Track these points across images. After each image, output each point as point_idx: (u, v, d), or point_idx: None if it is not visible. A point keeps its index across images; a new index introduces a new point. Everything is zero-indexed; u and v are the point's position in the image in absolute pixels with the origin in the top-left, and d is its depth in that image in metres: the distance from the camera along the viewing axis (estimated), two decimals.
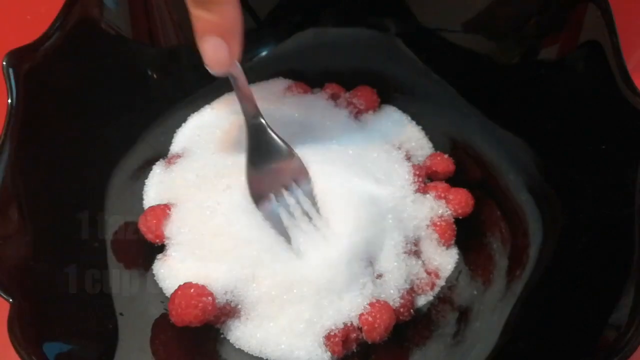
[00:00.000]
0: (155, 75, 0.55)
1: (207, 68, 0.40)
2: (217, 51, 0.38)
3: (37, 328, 0.38)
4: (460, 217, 0.51)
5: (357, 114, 0.56)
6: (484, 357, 0.43)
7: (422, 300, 0.48)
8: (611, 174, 0.42)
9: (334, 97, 0.56)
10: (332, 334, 0.44)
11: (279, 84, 0.57)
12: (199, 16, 0.37)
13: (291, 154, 0.47)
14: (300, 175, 0.47)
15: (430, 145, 0.56)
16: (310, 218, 0.46)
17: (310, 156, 0.48)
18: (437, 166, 0.53)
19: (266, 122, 0.47)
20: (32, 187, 0.43)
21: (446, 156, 0.54)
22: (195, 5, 0.37)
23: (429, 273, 0.49)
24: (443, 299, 0.49)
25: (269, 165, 0.47)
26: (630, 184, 0.40)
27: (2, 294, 0.37)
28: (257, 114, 0.46)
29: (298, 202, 0.46)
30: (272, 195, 0.47)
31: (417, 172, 0.52)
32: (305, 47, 0.58)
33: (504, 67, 0.51)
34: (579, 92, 0.45)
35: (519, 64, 0.50)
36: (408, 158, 0.54)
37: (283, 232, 0.46)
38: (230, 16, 0.37)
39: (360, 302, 0.45)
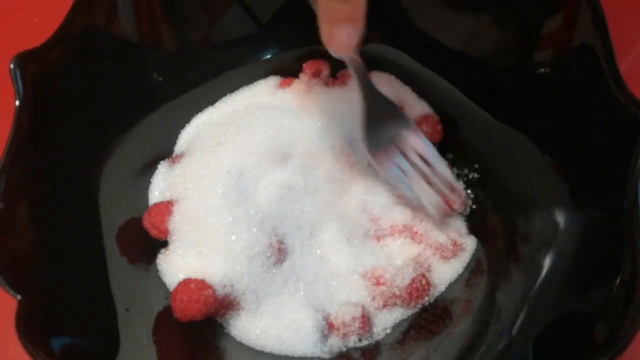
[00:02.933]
0: (160, 78, 0.56)
1: (332, 51, 0.43)
2: (350, 37, 0.41)
3: (43, 324, 0.39)
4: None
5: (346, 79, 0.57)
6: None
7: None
8: (604, 174, 0.43)
9: (316, 75, 0.56)
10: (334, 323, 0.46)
11: (272, 81, 0.59)
12: (333, 6, 0.39)
13: (406, 119, 0.50)
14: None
15: (425, 105, 0.56)
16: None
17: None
18: (424, 127, 0.53)
19: (378, 89, 0.49)
20: (38, 186, 0.44)
21: (436, 118, 0.55)
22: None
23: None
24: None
25: (387, 130, 0.49)
26: (623, 185, 0.40)
27: (9, 291, 0.38)
28: (370, 81, 0.48)
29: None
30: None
31: None
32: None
33: (497, 69, 0.52)
34: (572, 94, 0.46)
35: (512, 66, 0.51)
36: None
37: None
38: (362, 4, 0.39)
39: (362, 291, 0.47)
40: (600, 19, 0.43)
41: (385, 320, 0.47)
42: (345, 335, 0.46)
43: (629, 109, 0.41)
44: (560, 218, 0.46)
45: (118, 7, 0.51)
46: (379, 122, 0.49)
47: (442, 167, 0.50)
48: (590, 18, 0.43)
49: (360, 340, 0.46)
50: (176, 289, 0.45)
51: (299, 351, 0.45)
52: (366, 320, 0.46)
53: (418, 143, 0.49)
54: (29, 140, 0.43)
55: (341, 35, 0.41)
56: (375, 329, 0.47)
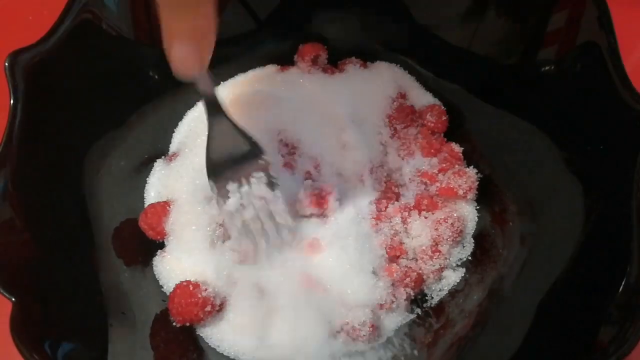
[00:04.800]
0: (156, 76, 0.55)
1: (175, 71, 0.38)
2: (187, 58, 0.37)
3: (38, 327, 0.39)
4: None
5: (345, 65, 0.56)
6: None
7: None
8: (609, 172, 0.43)
9: (314, 61, 0.56)
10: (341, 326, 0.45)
11: (270, 69, 0.58)
12: (172, 22, 0.35)
13: (256, 150, 0.46)
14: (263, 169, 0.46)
15: (430, 96, 0.56)
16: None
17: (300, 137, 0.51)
18: (429, 116, 0.53)
19: (232, 119, 0.45)
20: (32, 186, 0.44)
21: (442, 108, 0.54)
22: (168, 11, 0.34)
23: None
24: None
25: (231, 159, 0.45)
26: (628, 182, 0.40)
27: (4, 293, 0.37)
28: (222, 112, 0.44)
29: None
30: (232, 187, 0.45)
31: (395, 117, 0.53)
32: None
33: (502, 67, 0.51)
34: (576, 92, 0.45)
35: (517, 64, 0.50)
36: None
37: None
38: (204, 24, 0.35)
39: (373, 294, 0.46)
40: (605, 17, 0.42)
41: (392, 323, 0.47)
42: (354, 339, 0.45)
43: (634, 107, 0.41)
44: (562, 217, 0.46)
45: (114, 3, 0.50)
46: (224, 153, 0.45)
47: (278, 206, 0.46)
48: (595, 16, 0.43)
49: (368, 342, 0.46)
50: (174, 291, 0.44)
51: (305, 353, 0.45)
52: (375, 325, 0.45)
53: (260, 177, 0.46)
54: (22, 139, 0.43)
55: (177, 55, 0.36)
56: (383, 332, 0.47)
